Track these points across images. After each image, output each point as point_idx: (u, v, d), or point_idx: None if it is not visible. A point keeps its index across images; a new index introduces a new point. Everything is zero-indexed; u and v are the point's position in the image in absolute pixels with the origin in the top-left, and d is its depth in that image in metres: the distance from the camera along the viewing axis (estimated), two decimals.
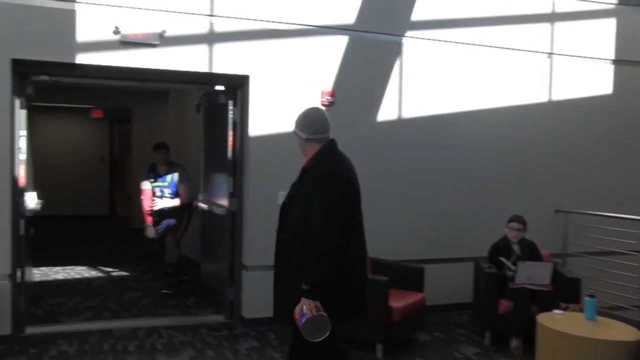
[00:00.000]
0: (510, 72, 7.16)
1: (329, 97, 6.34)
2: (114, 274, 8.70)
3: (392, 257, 6.32)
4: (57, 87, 9.01)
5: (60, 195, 13.20)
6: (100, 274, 8.64)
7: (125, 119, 14.22)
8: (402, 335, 5.74)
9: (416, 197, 6.83)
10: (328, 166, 3.46)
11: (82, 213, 14.74)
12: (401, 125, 6.71)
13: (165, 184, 7.36)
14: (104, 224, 14.26)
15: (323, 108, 3.59)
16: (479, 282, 6.27)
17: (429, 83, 6.80)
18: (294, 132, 3.68)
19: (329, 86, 6.36)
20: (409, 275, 6.03)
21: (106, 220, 14.87)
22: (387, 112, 6.63)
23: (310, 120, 3.60)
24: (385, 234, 6.51)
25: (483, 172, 7.10)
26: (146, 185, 7.48)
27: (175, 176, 7.32)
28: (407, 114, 6.72)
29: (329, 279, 3.31)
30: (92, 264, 9.26)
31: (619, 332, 4.79)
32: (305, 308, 3.28)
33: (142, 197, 7.55)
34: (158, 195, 7.39)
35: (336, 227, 3.31)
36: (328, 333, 3.32)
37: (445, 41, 6.85)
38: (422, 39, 6.76)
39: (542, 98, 7.33)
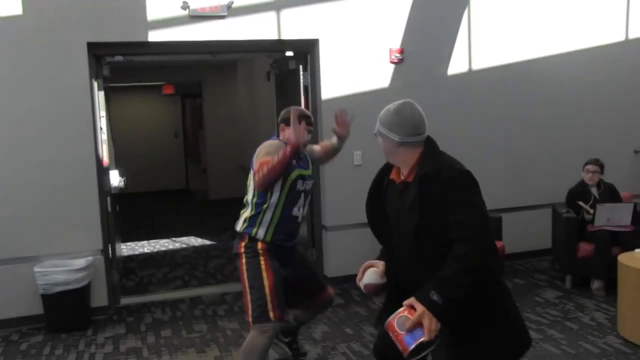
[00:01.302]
0: (582, 11, 6.94)
1: (398, 54, 6.31)
2: (196, 244, 8.98)
3: None
4: (128, 67, 9.25)
5: (139, 172, 13.58)
6: (184, 245, 8.94)
7: (196, 92, 14.50)
8: None
9: (491, 147, 6.78)
10: (458, 166, 2.77)
11: (160, 188, 15.14)
12: (472, 76, 6.63)
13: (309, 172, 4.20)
14: (181, 197, 14.63)
15: (414, 103, 2.87)
16: (557, 227, 6.24)
17: (498, 31, 6.68)
18: (378, 133, 2.87)
19: (397, 43, 6.31)
20: None
21: (183, 194, 15.26)
22: (457, 64, 6.56)
23: (407, 119, 2.80)
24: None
25: (558, 117, 6.98)
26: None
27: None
28: (478, 65, 6.63)
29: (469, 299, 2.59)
30: (175, 237, 9.58)
31: None
32: (426, 325, 2.49)
33: None
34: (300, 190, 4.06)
35: (489, 234, 2.70)
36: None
37: None
38: None
39: (619, 37, 7.08)
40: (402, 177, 2.84)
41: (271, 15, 5.97)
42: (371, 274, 2.99)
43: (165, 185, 15.35)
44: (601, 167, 6.09)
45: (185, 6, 5.73)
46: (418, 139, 2.80)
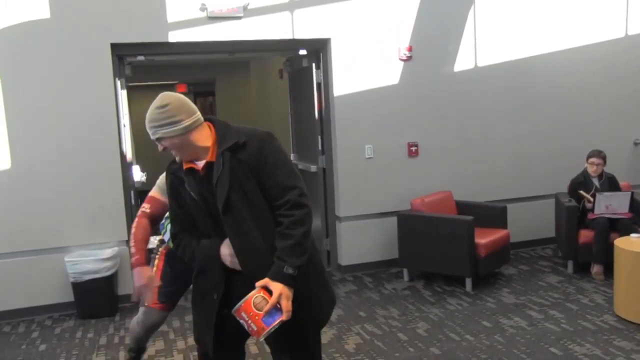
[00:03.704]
0: (584, 9, 7.19)
1: (407, 52, 6.59)
2: None
3: (476, 198, 6.69)
4: (143, 66, 9.53)
5: (156, 169, 13.85)
6: None
7: (209, 91, 14.78)
8: (489, 270, 6.07)
9: (497, 140, 7.05)
10: (260, 130, 2.72)
11: None
12: (478, 72, 6.89)
13: None
14: None
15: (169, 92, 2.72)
16: (559, 216, 6.52)
17: (503, 29, 6.93)
18: (158, 138, 2.65)
19: (406, 41, 6.60)
20: (492, 214, 6.37)
21: None
22: (463, 61, 6.82)
23: (178, 103, 2.62)
24: (468, 178, 6.88)
25: (561, 111, 7.23)
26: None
27: None
28: (483, 61, 6.89)
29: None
30: None
31: None
32: (284, 305, 2.49)
33: None
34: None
35: (304, 189, 2.65)
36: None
37: None
38: None
39: (619, 33, 7.32)
40: (203, 162, 2.69)
41: (285, 15, 6.26)
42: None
43: None
44: (604, 159, 6.34)
45: (203, 7, 6.03)
46: (199, 116, 2.66)
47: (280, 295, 2.48)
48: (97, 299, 5.74)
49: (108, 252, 5.83)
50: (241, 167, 2.62)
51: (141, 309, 4.15)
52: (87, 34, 5.81)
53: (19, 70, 5.67)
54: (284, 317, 2.48)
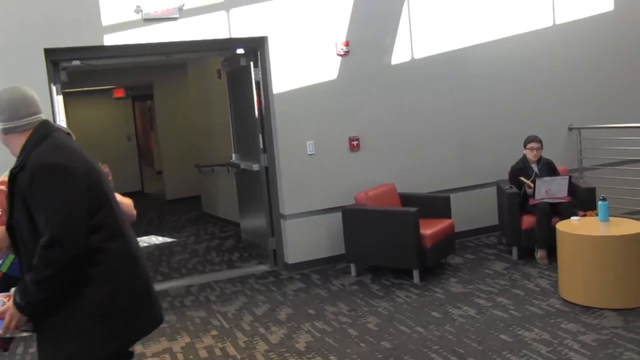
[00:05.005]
0: (513, 0, 7.33)
1: (343, 47, 6.61)
2: (157, 242, 9.14)
3: (419, 190, 6.77)
4: (79, 72, 9.33)
5: None
6: (145, 244, 9.08)
7: (146, 94, 14.55)
8: (435, 260, 6.13)
9: (438, 131, 7.11)
10: (45, 158, 2.49)
11: (117, 191, 15.08)
12: (414, 64, 6.94)
13: None
14: (137, 199, 14.58)
15: (19, 86, 2.70)
16: (502, 202, 6.64)
17: (437, 20, 7.00)
18: None
19: (343, 36, 6.62)
20: (436, 205, 6.46)
21: (139, 195, 15.30)
22: (400, 54, 6.87)
23: (5, 102, 2.59)
24: (411, 170, 6.95)
25: (496, 100, 7.35)
26: None
27: None
28: (419, 53, 6.95)
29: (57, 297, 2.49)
30: (137, 235, 9.68)
31: (630, 227, 5.05)
32: (5, 320, 2.52)
33: None
34: None
35: (73, 233, 2.44)
36: None
37: None
38: None
39: (548, 22, 7.48)
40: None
41: (221, 14, 6.20)
42: None
43: (121, 187, 15.12)
44: (541, 143, 6.48)
45: (138, 9, 5.92)
46: (25, 123, 2.59)
47: (7, 309, 2.51)
48: None
49: None
50: (18, 192, 2.52)
51: None
52: (19, 39, 5.65)
53: None
54: (1, 331, 2.53)
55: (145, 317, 2.74)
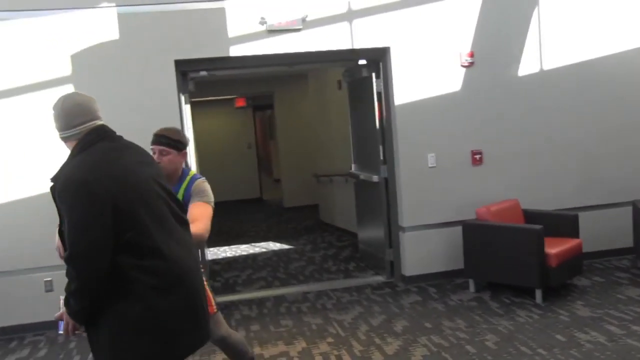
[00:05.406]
0: None
1: (468, 58, 6.48)
2: (275, 248, 9.32)
3: (544, 206, 6.48)
4: (204, 82, 9.70)
5: (215, 183, 13.95)
6: (263, 250, 9.30)
7: (266, 104, 14.91)
8: (560, 281, 5.85)
9: (565, 146, 6.80)
10: (74, 175, 2.54)
11: (235, 198, 15.59)
12: (544, 76, 6.68)
13: None
14: (256, 206, 15.05)
15: (75, 93, 2.84)
16: (639, 224, 6.21)
17: (569, 29, 6.70)
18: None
19: (467, 47, 6.49)
20: (563, 223, 6.15)
21: (257, 202, 15.69)
22: (528, 65, 6.64)
23: (63, 111, 2.69)
24: (536, 185, 6.69)
25: (633, 112, 6.91)
26: None
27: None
28: (549, 64, 6.68)
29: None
30: (254, 242, 9.98)
31: None
32: (64, 322, 2.71)
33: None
34: None
35: (88, 253, 2.47)
36: None
37: None
38: None
39: None
40: None
41: (344, 25, 6.26)
42: None
43: (241, 194, 15.77)
44: None
45: (263, 21, 6.09)
46: (74, 132, 2.68)
47: (64, 312, 2.65)
48: None
49: None
50: (56, 202, 2.61)
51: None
52: (153, 51, 6.00)
53: (90, 87, 5.83)
54: (62, 331, 2.73)
55: (187, 336, 2.71)
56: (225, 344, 3.88)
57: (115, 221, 2.50)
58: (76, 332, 2.73)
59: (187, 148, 3.78)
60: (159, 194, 2.73)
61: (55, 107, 2.71)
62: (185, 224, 2.86)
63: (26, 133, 5.89)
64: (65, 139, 2.71)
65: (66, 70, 5.89)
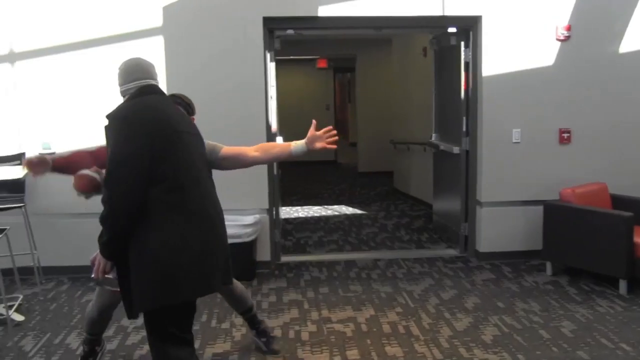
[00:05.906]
0: None
1: (565, 32, 6.18)
2: (347, 212, 9.32)
3: (635, 193, 6.14)
4: (289, 41, 9.68)
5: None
6: (336, 213, 9.32)
7: (347, 67, 14.76)
8: None
9: None
10: (119, 112, 2.93)
11: (310, 159, 15.59)
12: None
13: None
14: (330, 169, 15.05)
15: (138, 57, 3.16)
16: None
17: None
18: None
19: (565, 20, 6.19)
20: None
21: (332, 165, 15.69)
22: (631, 42, 6.26)
23: (124, 69, 3.10)
24: (627, 170, 6.37)
25: None
26: None
27: None
28: None
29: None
30: (327, 205, 10.00)
31: None
32: (96, 265, 2.96)
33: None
34: None
35: (126, 174, 2.75)
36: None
37: None
38: None
39: None
40: None
41: None
42: None
43: (316, 156, 15.71)
44: None
45: None
46: (129, 87, 3.05)
47: (98, 255, 2.90)
48: (237, 263, 5.80)
49: (250, 219, 6.00)
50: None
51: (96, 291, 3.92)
52: (242, 7, 5.98)
53: (178, 41, 5.97)
54: (94, 274, 3.01)
55: (195, 277, 2.90)
56: (228, 291, 4.14)
57: (151, 156, 2.77)
58: (106, 275, 2.95)
59: (194, 116, 3.94)
60: (192, 143, 3.03)
61: (119, 67, 3.11)
62: (210, 177, 3.20)
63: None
64: (123, 93, 3.06)
65: (157, 21, 5.96)
